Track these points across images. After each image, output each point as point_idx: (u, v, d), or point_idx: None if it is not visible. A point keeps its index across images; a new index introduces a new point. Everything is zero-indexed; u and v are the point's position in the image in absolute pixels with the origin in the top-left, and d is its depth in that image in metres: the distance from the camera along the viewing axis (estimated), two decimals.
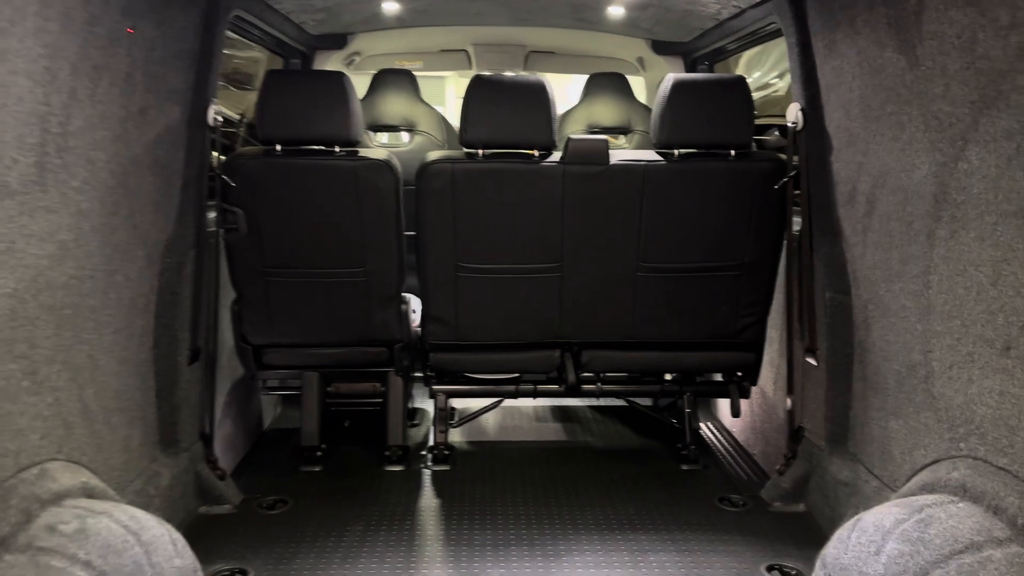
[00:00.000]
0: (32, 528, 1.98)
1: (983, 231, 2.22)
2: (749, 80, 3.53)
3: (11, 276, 2.00)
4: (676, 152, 3.32)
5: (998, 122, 2.12)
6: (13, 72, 1.91)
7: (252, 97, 4.78)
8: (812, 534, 3.05)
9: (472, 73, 5.03)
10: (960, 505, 2.22)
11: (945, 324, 2.42)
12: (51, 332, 2.22)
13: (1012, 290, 2.11)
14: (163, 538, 2.34)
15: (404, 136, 5.18)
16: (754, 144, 3.39)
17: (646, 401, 4.42)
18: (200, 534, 3.05)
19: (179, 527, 3.04)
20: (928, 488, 2.43)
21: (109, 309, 2.59)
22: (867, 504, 2.79)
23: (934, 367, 2.49)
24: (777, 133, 4.44)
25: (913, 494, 2.47)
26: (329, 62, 5.03)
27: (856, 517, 2.51)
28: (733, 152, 3.31)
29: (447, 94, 11.97)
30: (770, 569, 2.84)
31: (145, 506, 2.77)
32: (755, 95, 4.91)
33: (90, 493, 2.32)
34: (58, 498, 2.14)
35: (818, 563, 2.60)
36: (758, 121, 3.70)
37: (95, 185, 2.40)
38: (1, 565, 1.84)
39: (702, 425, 4.35)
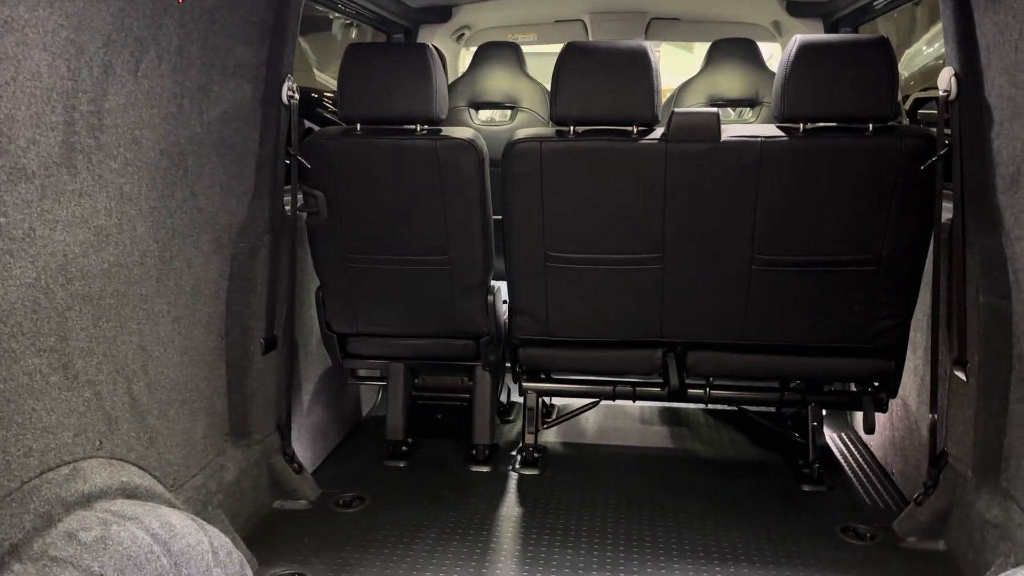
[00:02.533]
0: (50, 535, 1.86)
1: None
2: (929, 51, 2.99)
3: (32, 265, 1.88)
4: (801, 127, 2.86)
5: None
6: (23, 44, 1.76)
7: None
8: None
9: None
10: None
11: None
12: (88, 323, 2.10)
13: None
14: (200, 546, 2.18)
15: (507, 114, 4.91)
16: (906, 119, 2.87)
17: (767, 409, 3.95)
18: (268, 531, 2.93)
19: (247, 523, 2.94)
20: None
21: (165, 297, 2.46)
22: (1019, 552, 2.30)
23: None
24: None
25: None
26: (436, 37, 4.81)
27: (1010, 574, 2.03)
28: (871, 126, 2.82)
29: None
30: None
31: (204, 503, 2.66)
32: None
33: (132, 492, 2.20)
34: (88, 500, 2.02)
35: None
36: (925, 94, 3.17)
37: (142, 166, 2.26)
38: None
39: (833, 437, 3.85)
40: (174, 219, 2.47)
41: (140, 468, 2.33)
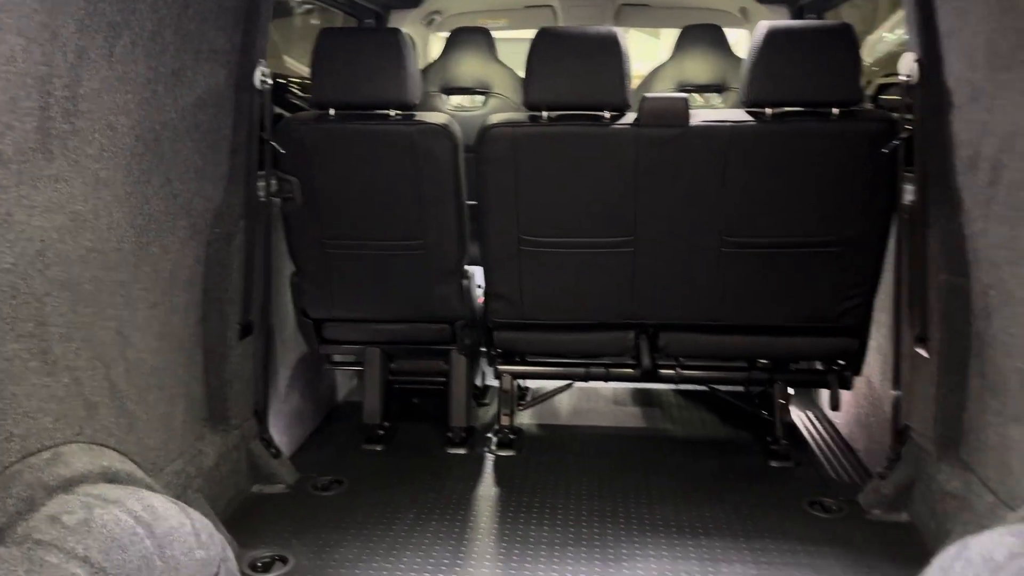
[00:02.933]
0: (33, 519, 1.87)
1: None
2: (891, 37, 3.06)
3: (10, 251, 1.88)
4: (768, 111, 2.93)
5: None
6: None
7: None
8: (914, 549, 2.66)
9: None
10: None
11: None
12: (66, 309, 2.11)
13: None
14: (182, 529, 2.20)
15: (479, 99, 4.93)
16: (869, 105, 2.95)
17: (736, 388, 4.04)
18: (247, 514, 2.95)
19: (227, 507, 2.96)
20: None
21: (142, 283, 2.47)
22: (979, 522, 2.39)
23: None
24: None
25: None
26: (406, 22, 4.81)
27: (962, 542, 2.11)
28: (836, 111, 2.89)
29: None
30: None
31: (184, 487, 2.68)
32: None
33: (113, 477, 2.21)
34: (70, 484, 2.03)
35: None
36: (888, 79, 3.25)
37: (117, 152, 2.26)
38: None
39: (800, 415, 3.95)
40: (150, 205, 2.47)
41: (120, 453, 2.33)
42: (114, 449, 2.32)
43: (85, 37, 2.05)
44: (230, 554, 2.37)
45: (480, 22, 5.12)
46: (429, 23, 5.00)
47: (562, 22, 5.04)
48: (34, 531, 1.84)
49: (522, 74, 3.05)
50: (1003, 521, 2.20)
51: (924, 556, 2.14)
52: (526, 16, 5.21)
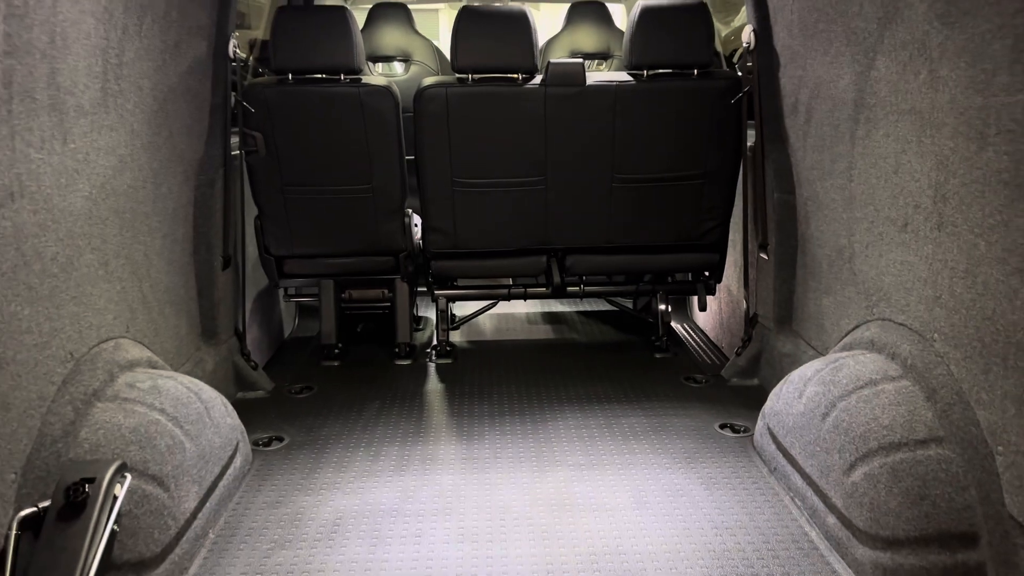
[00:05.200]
0: (116, 385, 2.48)
1: (888, 128, 2.66)
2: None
3: (87, 183, 2.46)
4: (645, 73, 3.73)
5: (896, 35, 2.55)
6: (82, 12, 2.33)
7: (250, 35, 5.14)
8: (762, 400, 3.54)
9: (463, 3, 5.40)
10: (867, 355, 2.72)
11: (863, 211, 2.88)
12: (116, 231, 2.69)
13: (908, 176, 2.56)
14: (217, 400, 2.86)
15: (399, 67, 5.57)
16: (724, 64, 3.77)
17: (628, 304, 4.92)
18: (240, 411, 3.57)
19: None
20: (847, 347, 2.93)
21: (158, 216, 3.05)
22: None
23: (855, 248, 2.96)
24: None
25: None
26: None
27: (788, 376, 3.02)
28: (696, 72, 3.73)
29: (440, 25, 12.29)
30: (722, 426, 3.36)
31: None
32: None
33: (153, 366, 2.82)
34: (132, 365, 2.64)
35: (759, 416, 3.12)
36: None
37: (143, 108, 2.84)
38: (97, 409, 2.34)
39: (676, 326, 4.85)
40: (161, 153, 3.05)
41: (151, 351, 2.94)
42: (147, 347, 2.92)
43: (127, 16, 2.62)
44: (241, 425, 3.02)
45: None
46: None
47: None
48: (120, 392, 2.46)
49: (437, 43, 3.73)
50: None
51: None
52: None
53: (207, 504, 2.57)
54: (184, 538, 2.39)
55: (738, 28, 5.59)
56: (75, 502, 2.03)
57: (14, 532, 1.96)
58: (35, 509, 2.02)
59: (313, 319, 4.81)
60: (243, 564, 2.42)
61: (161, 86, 2.98)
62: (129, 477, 2.19)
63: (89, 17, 2.38)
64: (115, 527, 2.10)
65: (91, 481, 2.08)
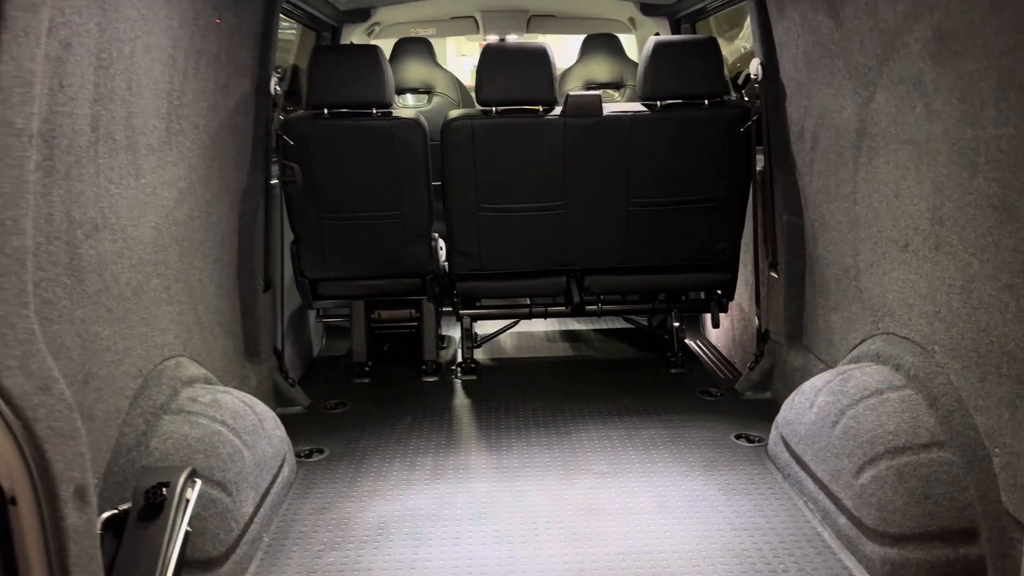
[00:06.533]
0: (179, 400, 2.69)
1: (888, 156, 2.88)
2: (748, 44, 4.13)
3: (154, 214, 2.69)
4: (658, 103, 3.96)
5: (895, 70, 2.77)
6: (153, 60, 2.58)
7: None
8: (774, 412, 3.73)
9: (479, 37, 5.67)
10: (873, 367, 2.92)
11: (867, 232, 3.09)
12: (177, 258, 2.92)
13: (908, 200, 2.78)
14: (268, 413, 3.08)
15: (415, 98, 5.82)
16: (735, 94, 4.00)
17: (644, 321, 5.14)
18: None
19: None
20: (854, 360, 3.13)
21: (210, 243, 3.28)
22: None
23: (861, 267, 3.17)
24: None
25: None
26: (354, 33, 5.65)
27: (799, 387, 3.22)
28: (707, 102, 3.96)
29: (447, 51, 12.66)
30: (738, 437, 3.55)
31: None
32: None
33: (208, 382, 3.03)
34: (191, 381, 2.85)
35: (772, 426, 3.32)
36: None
37: (199, 144, 3.08)
38: (165, 421, 2.56)
39: (690, 342, 5.06)
40: (212, 185, 3.29)
41: (205, 369, 3.15)
42: (202, 365, 3.13)
43: (187, 61, 2.86)
44: (289, 439, 3.23)
45: (412, 32, 6.01)
46: (370, 33, 5.84)
47: (483, 31, 5.99)
48: (184, 406, 2.68)
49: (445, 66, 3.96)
50: None
51: None
52: (452, 26, 6.14)
53: (262, 509, 2.77)
54: (243, 540, 2.59)
55: (744, 56, 5.84)
56: (154, 504, 2.24)
57: (99, 532, 2.17)
58: (116, 511, 2.22)
59: (341, 339, 5.03)
60: (297, 564, 2.63)
61: (213, 123, 3.22)
62: (199, 482, 2.40)
63: (158, 64, 2.63)
64: (188, 528, 2.31)
65: (166, 485, 2.29)
